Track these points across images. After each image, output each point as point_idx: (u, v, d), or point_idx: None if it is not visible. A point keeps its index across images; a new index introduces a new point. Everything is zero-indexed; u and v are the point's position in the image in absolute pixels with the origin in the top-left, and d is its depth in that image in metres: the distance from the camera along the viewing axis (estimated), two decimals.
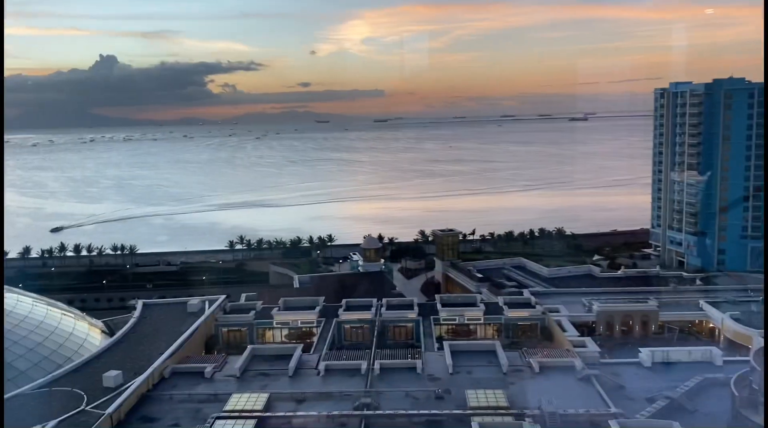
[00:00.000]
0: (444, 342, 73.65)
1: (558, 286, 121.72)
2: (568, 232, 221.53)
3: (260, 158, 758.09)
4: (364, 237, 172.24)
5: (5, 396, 57.82)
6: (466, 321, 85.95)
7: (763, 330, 73.17)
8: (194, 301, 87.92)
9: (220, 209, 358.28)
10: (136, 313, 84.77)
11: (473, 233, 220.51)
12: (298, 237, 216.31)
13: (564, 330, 79.11)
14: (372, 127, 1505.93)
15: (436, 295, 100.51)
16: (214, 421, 53.54)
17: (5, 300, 77.49)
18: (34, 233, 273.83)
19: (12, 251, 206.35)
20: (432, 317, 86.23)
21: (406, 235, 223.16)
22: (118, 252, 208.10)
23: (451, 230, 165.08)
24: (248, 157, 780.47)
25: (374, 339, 78.69)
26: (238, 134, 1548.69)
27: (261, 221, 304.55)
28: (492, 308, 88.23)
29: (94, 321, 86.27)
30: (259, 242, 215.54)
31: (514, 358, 67.57)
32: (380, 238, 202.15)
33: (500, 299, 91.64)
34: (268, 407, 56.65)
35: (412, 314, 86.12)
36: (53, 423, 51.62)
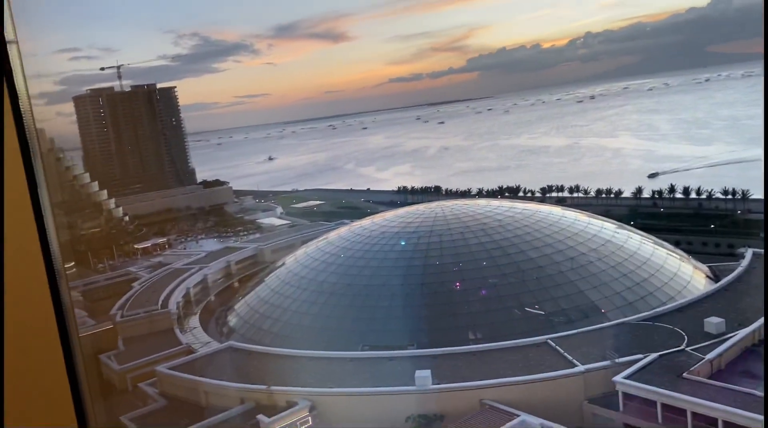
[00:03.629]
0: None
1: None
2: None
3: None
4: None
5: (609, 323, 64.31)
6: None
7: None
8: None
9: None
10: (745, 262, 79.72)
11: None
12: None
13: None
14: None
15: None
16: None
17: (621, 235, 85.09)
18: (642, 175, 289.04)
19: (626, 190, 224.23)
20: None
21: None
22: (729, 197, 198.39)
23: None
24: None
25: None
26: None
27: None
28: None
29: (699, 264, 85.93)
30: None
31: None
32: None
33: None
34: None
35: None
36: (654, 355, 54.63)
